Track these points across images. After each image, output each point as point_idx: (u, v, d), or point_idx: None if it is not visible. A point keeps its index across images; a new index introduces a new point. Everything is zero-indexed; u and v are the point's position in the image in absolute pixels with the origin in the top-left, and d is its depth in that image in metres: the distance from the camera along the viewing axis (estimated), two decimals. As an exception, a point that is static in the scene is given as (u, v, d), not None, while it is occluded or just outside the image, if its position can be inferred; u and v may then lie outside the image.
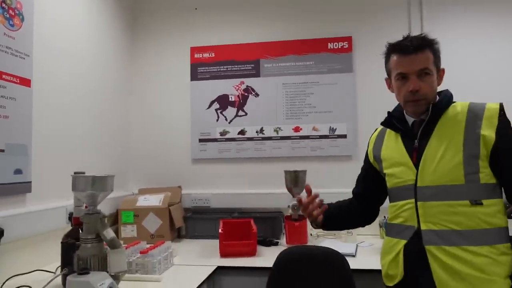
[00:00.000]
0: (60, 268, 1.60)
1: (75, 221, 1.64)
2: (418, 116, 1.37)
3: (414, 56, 1.30)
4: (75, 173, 1.49)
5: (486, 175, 1.23)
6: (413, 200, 1.31)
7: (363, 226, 1.66)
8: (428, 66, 1.31)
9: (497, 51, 2.64)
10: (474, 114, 1.26)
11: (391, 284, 1.37)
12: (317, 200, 1.46)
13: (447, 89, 1.40)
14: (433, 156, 1.28)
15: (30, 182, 1.84)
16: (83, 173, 1.50)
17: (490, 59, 2.65)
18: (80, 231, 1.47)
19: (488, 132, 1.22)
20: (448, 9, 2.71)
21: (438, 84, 1.37)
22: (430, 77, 1.32)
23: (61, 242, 1.60)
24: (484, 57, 2.65)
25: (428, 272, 1.23)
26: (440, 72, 1.38)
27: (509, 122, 1.27)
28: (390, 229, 1.43)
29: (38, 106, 1.93)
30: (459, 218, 1.21)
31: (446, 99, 1.35)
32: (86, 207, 1.53)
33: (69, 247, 1.52)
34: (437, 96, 1.38)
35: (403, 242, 1.32)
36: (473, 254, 1.18)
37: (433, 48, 1.34)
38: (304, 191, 1.52)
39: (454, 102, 1.36)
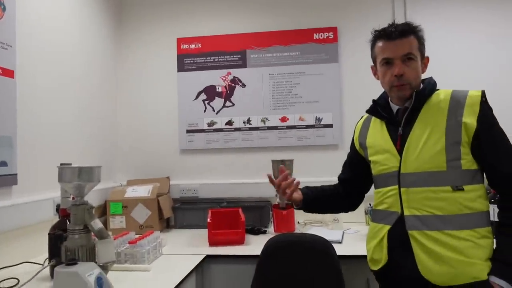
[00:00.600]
0: (48, 259, 1.60)
1: (63, 213, 1.64)
2: (402, 104, 1.39)
3: (398, 42, 1.33)
4: (61, 164, 1.49)
5: (467, 162, 1.26)
6: (396, 187, 1.33)
7: (346, 211, 1.70)
8: (412, 51, 1.34)
9: (479, 38, 2.69)
10: (457, 102, 1.29)
11: (375, 268, 1.40)
12: (289, 178, 1.51)
13: (431, 77, 1.43)
14: (416, 143, 1.31)
15: (16, 174, 1.83)
16: (70, 164, 1.50)
17: (472, 46, 2.69)
18: (68, 222, 1.48)
19: (470, 119, 1.24)
20: (431, -2, 2.74)
21: (423, 72, 1.40)
22: (414, 62, 1.34)
23: (48, 234, 1.60)
24: (466, 44, 2.70)
25: (411, 256, 1.26)
26: (425, 60, 1.40)
27: (490, 109, 1.29)
28: (375, 215, 1.47)
29: (23, 98, 1.91)
30: (441, 204, 1.24)
31: (430, 86, 1.38)
32: (73, 198, 1.54)
33: (56, 238, 1.52)
34: (421, 84, 1.40)
35: (387, 227, 1.35)
36: (455, 238, 1.21)
37: (418, 34, 1.37)
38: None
39: (438, 89, 1.39)
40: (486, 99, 1.29)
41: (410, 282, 1.28)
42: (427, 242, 1.24)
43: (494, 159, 1.25)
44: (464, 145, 1.25)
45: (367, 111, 1.53)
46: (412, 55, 1.34)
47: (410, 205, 1.29)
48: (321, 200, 1.62)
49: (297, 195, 1.56)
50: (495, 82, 2.61)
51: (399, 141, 1.36)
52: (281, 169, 1.55)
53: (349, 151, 1.69)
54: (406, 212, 1.30)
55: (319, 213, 1.74)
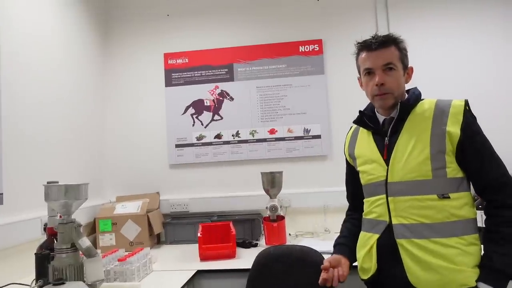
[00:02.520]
0: (35, 280, 1.57)
1: (50, 231, 1.61)
2: (388, 114, 1.42)
3: (379, 52, 1.37)
4: (48, 182, 1.47)
5: (453, 170, 1.27)
6: (384, 196, 1.35)
7: None
8: (392, 61, 1.36)
9: (460, 49, 2.75)
10: (441, 111, 1.31)
11: (365, 277, 1.40)
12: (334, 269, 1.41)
13: (416, 87, 1.45)
14: (402, 153, 1.32)
15: (2, 194, 1.80)
16: (57, 182, 1.49)
17: (454, 56, 2.75)
18: (55, 241, 1.45)
19: (454, 128, 1.26)
20: (413, 8, 2.81)
21: (407, 82, 1.42)
22: (395, 72, 1.37)
23: (35, 253, 1.57)
24: (448, 55, 2.76)
25: (400, 265, 1.27)
26: (408, 70, 1.43)
27: (474, 117, 1.31)
28: (364, 224, 1.47)
29: (7, 115, 1.89)
30: (428, 212, 1.25)
31: (414, 97, 1.40)
32: (60, 216, 1.52)
33: (43, 258, 1.50)
34: (406, 94, 1.43)
35: (376, 236, 1.36)
36: (442, 246, 1.22)
37: (399, 45, 1.40)
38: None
39: (423, 99, 1.40)
40: (469, 108, 1.31)
41: None
42: (415, 250, 1.24)
43: (478, 166, 1.26)
44: (449, 154, 1.27)
45: (354, 122, 1.55)
46: (392, 65, 1.36)
47: (397, 214, 1.30)
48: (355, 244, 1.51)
49: (346, 267, 1.44)
50: (477, 89, 2.67)
51: (386, 150, 1.38)
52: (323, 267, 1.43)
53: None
54: (394, 221, 1.31)
55: None
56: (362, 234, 1.47)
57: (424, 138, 1.29)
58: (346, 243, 1.52)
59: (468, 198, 1.29)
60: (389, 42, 1.38)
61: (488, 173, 1.25)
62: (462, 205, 1.26)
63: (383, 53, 1.36)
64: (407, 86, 1.45)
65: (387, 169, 1.35)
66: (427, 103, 1.36)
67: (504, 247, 1.16)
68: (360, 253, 1.44)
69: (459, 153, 1.27)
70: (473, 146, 1.26)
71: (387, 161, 1.36)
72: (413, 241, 1.25)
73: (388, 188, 1.34)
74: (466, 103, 1.30)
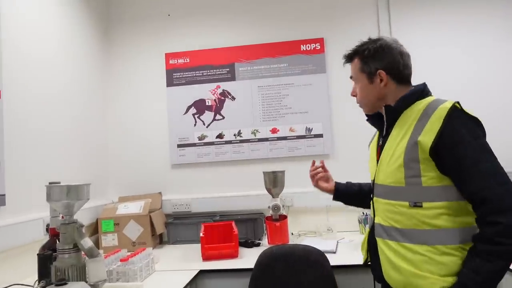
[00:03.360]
0: (37, 281, 1.57)
1: (52, 232, 1.62)
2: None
3: (349, 66, 1.46)
4: (50, 183, 1.48)
5: (429, 179, 1.21)
6: (372, 195, 1.41)
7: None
8: (353, 74, 1.43)
9: (462, 46, 2.74)
10: (425, 115, 1.24)
11: (363, 262, 1.51)
12: (320, 170, 1.73)
13: (420, 84, 1.37)
14: (386, 156, 1.33)
15: (4, 195, 1.80)
16: (59, 183, 1.49)
17: (455, 53, 2.74)
18: (58, 242, 1.46)
19: (426, 137, 1.19)
20: (414, 6, 2.80)
21: (385, 85, 1.35)
22: (358, 83, 1.42)
23: (37, 254, 1.57)
24: (449, 52, 2.75)
25: (379, 260, 1.33)
26: (379, 74, 1.35)
27: (460, 123, 1.19)
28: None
29: (9, 116, 1.89)
30: (399, 217, 1.26)
31: (402, 101, 1.34)
32: (62, 217, 1.52)
33: (45, 258, 1.50)
34: (400, 95, 1.36)
35: (368, 230, 1.44)
36: (410, 251, 1.22)
37: (362, 54, 1.38)
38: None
39: (424, 98, 1.32)
40: (458, 113, 1.19)
41: (380, 282, 1.38)
42: (387, 250, 1.29)
43: (457, 178, 1.19)
44: (424, 163, 1.21)
45: (367, 120, 1.52)
46: (354, 78, 1.44)
47: (378, 214, 1.35)
48: (349, 194, 1.71)
49: (328, 185, 1.73)
50: (478, 86, 2.67)
51: (379, 151, 1.41)
52: (313, 162, 1.77)
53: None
54: (375, 220, 1.36)
55: (349, 205, 1.79)
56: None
57: (402, 144, 1.26)
58: (347, 183, 1.73)
59: (451, 208, 1.20)
60: (352, 54, 1.42)
61: (468, 186, 1.16)
62: (436, 214, 1.20)
63: (351, 67, 1.45)
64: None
65: (376, 170, 1.38)
66: (421, 104, 1.29)
67: (475, 262, 1.11)
68: (362, 240, 1.53)
69: (438, 163, 1.20)
70: (452, 157, 1.17)
71: (378, 162, 1.39)
72: (387, 242, 1.29)
73: (374, 188, 1.40)
74: (452, 108, 1.19)
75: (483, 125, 1.22)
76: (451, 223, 1.20)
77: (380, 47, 1.35)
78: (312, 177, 1.74)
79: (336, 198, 1.73)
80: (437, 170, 1.21)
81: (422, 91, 1.34)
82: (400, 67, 1.35)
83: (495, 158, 1.17)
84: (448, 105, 1.20)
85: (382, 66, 1.34)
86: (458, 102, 1.21)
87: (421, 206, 1.22)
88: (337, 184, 1.72)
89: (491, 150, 1.19)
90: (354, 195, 1.70)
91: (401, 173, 1.25)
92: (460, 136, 1.17)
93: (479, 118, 1.22)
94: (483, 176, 1.14)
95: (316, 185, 1.74)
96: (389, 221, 1.29)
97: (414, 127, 1.25)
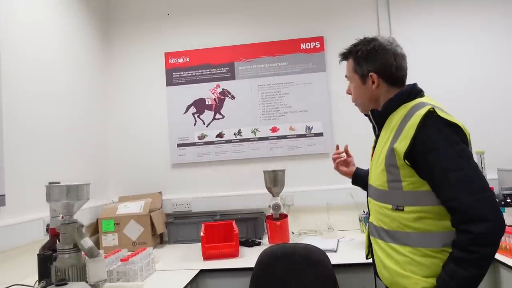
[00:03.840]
0: (37, 281, 1.57)
1: (52, 232, 1.62)
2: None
3: (345, 64, 1.46)
4: (49, 183, 1.47)
5: (410, 184, 1.21)
6: (367, 195, 1.45)
7: None
8: (347, 74, 1.45)
9: (461, 44, 2.74)
10: (404, 121, 1.24)
11: (365, 257, 1.53)
12: (343, 155, 1.74)
13: (398, 92, 1.33)
14: (375, 158, 1.36)
15: (4, 195, 1.80)
16: (58, 183, 1.48)
17: (454, 51, 2.74)
18: (58, 242, 1.45)
19: (401, 144, 1.20)
20: (414, 5, 2.79)
21: (377, 87, 1.34)
22: (352, 83, 1.44)
23: (38, 254, 1.57)
24: (449, 50, 2.74)
25: (374, 256, 1.38)
26: (371, 77, 1.34)
27: (435, 130, 1.17)
28: None
29: (9, 117, 1.89)
30: (385, 219, 1.29)
31: (388, 105, 1.33)
32: (62, 217, 1.52)
33: (46, 258, 1.50)
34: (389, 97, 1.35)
35: (368, 228, 1.46)
36: (395, 251, 1.25)
37: (356, 55, 1.38)
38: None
39: (412, 101, 1.30)
40: (433, 119, 1.17)
41: (378, 277, 1.40)
42: (378, 249, 1.32)
43: (431, 185, 1.19)
44: (403, 168, 1.21)
45: (366, 115, 1.51)
46: (348, 78, 1.46)
47: (372, 214, 1.39)
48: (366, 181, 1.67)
49: (347, 170, 1.74)
50: (477, 84, 2.66)
51: (372, 152, 1.43)
52: (337, 146, 1.80)
53: None
54: (370, 219, 1.40)
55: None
56: None
57: (385, 148, 1.28)
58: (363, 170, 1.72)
59: (433, 212, 1.19)
60: (347, 54, 1.43)
61: (439, 194, 1.17)
62: (418, 218, 1.20)
63: (346, 66, 1.46)
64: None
65: (369, 170, 1.42)
66: (406, 108, 1.28)
67: (450, 267, 1.12)
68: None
69: (416, 169, 1.20)
70: (425, 164, 1.17)
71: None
72: (377, 241, 1.33)
73: (368, 188, 1.43)
74: (427, 113, 1.17)
75: (467, 129, 1.20)
76: (433, 226, 1.20)
77: (373, 48, 1.34)
78: (334, 160, 1.75)
79: (353, 182, 1.74)
80: (418, 176, 1.21)
81: (410, 93, 1.31)
82: (393, 70, 1.33)
83: (472, 165, 1.15)
84: (422, 111, 1.18)
85: (374, 68, 1.34)
86: (433, 108, 1.18)
87: (402, 210, 1.24)
88: (357, 169, 1.73)
89: (468, 156, 1.16)
90: None
91: (384, 177, 1.28)
92: (432, 143, 1.16)
93: (459, 123, 1.18)
94: (453, 185, 1.13)
95: (337, 168, 1.75)
96: (378, 222, 1.32)
97: (394, 133, 1.26)
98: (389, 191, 1.27)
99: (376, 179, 1.32)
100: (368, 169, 1.65)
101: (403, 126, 1.22)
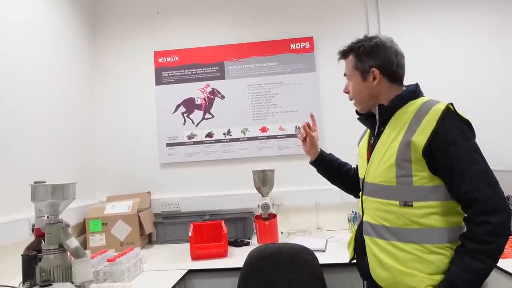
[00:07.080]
0: (22, 282, 1.55)
1: (37, 232, 1.59)
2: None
3: (343, 62, 1.45)
4: (34, 182, 1.45)
5: (421, 178, 1.23)
6: (361, 193, 1.41)
7: (346, 191, 1.70)
8: (347, 72, 1.43)
9: (451, 44, 2.77)
10: (419, 116, 1.25)
11: (348, 260, 1.52)
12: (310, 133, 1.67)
13: (412, 85, 1.38)
14: (377, 155, 1.34)
15: (-12, 195, 1.77)
16: (44, 182, 1.46)
17: (444, 51, 2.77)
18: (43, 242, 1.43)
19: (420, 138, 1.21)
20: (403, 6, 2.82)
21: (378, 83, 1.35)
22: (350, 80, 1.42)
23: (22, 255, 1.54)
24: (438, 50, 2.77)
25: (366, 257, 1.34)
26: (373, 72, 1.35)
27: (454, 125, 1.21)
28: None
29: (-6, 116, 1.86)
30: (389, 216, 1.27)
31: (398, 98, 1.34)
32: (47, 217, 1.50)
33: (30, 259, 1.47)
34: (394, 95, 1.36)
35: (356, 228, 1.45)
36: (398, 249, 1.24)
37: (357, 51, 1.38)
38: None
39: (418, 98, 1.33)
40: (451, 114, 1.21)
41: (366, 279, 1.40)
42: (375, 248, 1.30)
43: (449, 179, 1.20)
44: (416, 163, 1.22)
45: (358, 119, 1.52)
46: (347, 76, 1.43)
47: (367, 212, 1.36)
48: (331, 166, 1.69)
49: (314, 151, 1.68)
50: (468, 84, 2.70)
51: (369, 150, 1.41)
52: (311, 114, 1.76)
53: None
54: (364, 218, 1.37)
55: (326, 178, 1.74)
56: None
57: (395, 143, 1.27)
58: (331, 155, 1.71)
59: (440, 207, 1.22)
60: (347, 51, 1.42)
61: (458, 187, 1.18)
62: (426, 214, 1.22)
63: (345, 64, 1.44)
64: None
65: (366, 168, 1.38)
66: (414, 105, 1.30)
67: (463, 260, 1.14)
68: (349, 238, 1.53)
69: (430, 163, 1.22)
70: (444, 157, 1.19)
71: (368, 160, 1.39)
72: (375, 240, 1.31)
73: (364, 187, 1.40)
74: (446, 109, 1.21)
75: (473, 125, 1.24)
76: (440, 222, 1.22)
77: (376, 45, 1.36)
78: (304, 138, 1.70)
79: (316, 162, 1.70)
80: (428, 170, 1.22)
81: (414, 92, 1.35)
82: (394, 66, 1.35)
83: (485, 160, 1.20)
84: (441, 106, 1.22)
85: (376, 64, 1.35)
86: (451, 104, 1.23)
87: (411, 206, 1.24)
88: (321, 151, 1.69)
89: (480, 152, 1.21)
90: (331, 168, 1.68)
91: (392, 173, 1.26)
92: (453, 137, 1.19)
93: (470, 121, 1.24)
94: (474, 178, 1.16)
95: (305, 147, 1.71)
96: (378, 219, 1.30)
97: (407, 127, 1.26)
98: (397, 187, 1.26)
99: (379, 175, 1.31)
100: (330, 154, 1.71)
101: (419, 120, 1.23)
